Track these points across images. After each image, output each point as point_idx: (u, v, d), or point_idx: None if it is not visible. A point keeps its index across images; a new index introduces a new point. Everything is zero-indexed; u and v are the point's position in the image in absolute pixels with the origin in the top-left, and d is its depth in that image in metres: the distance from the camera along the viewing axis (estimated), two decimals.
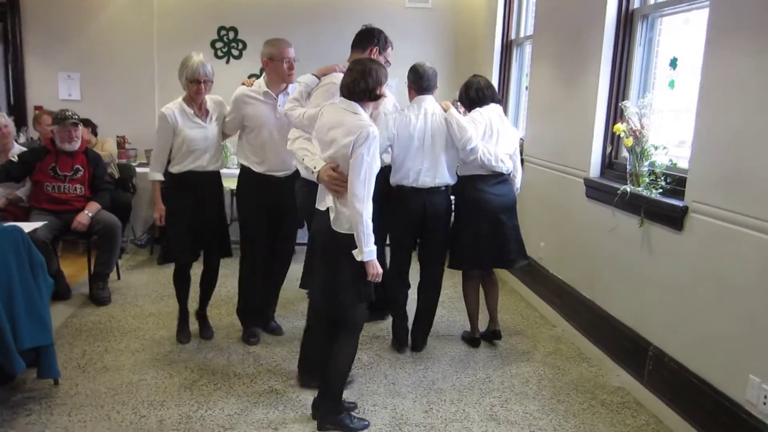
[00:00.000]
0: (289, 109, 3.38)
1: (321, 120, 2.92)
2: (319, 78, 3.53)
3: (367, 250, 2.75)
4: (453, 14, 7.08)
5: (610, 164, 4.29)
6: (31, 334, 2.96)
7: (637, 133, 3.71)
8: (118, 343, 3.88)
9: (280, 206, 3.84)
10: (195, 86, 3.67)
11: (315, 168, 2.89)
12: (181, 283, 3.99)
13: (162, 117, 3.72)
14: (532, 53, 5.49)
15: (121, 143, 6.34)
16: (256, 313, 4.05)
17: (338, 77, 3.18)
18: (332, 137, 2.82)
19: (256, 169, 3.80)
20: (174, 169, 3.78)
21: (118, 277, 5.05)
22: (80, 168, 4.62)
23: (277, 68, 3.69)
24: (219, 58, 6.83)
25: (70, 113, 4.53)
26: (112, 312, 4.39)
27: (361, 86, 2.81)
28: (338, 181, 2.79)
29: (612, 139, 4.26)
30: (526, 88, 6.09)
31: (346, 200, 2.77)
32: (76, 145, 4.60)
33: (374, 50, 3.45)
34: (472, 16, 7.05)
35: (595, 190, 4.23)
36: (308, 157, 3.02)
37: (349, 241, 2.79)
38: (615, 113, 4.24)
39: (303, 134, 3.27)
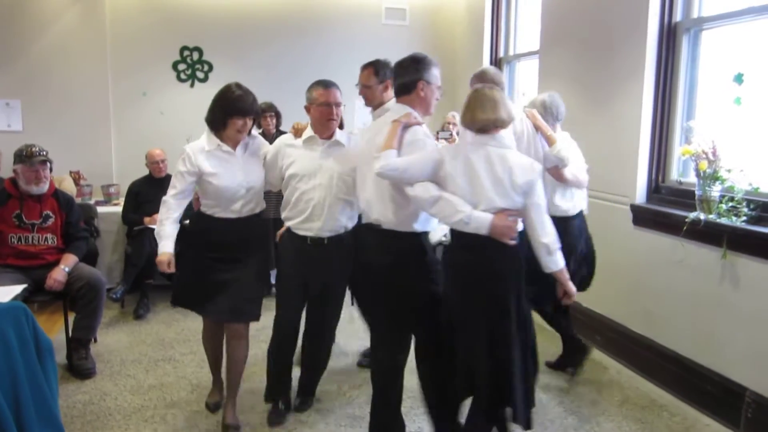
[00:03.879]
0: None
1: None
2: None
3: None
4: (431, 32, 6.72)
5: (656, 188, 3.98)
6: None
7: (709, 155, 3.41)
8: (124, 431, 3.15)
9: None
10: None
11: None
12: None
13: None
14: (539, 71, 5.15)
15: (75, 180, 5.53)
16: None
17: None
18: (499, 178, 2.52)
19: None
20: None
21: (94, 340, 4.23)
22: (50, 214, 3.84)
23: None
24: (182, 81, 6.15)
25: (37, 149, 3.77)
26: (102, 386, 3.61)
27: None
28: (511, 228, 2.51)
29: (660, 161, 3.96)
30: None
31: None
32: (45, 187, 3.83)
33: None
34: (452, 34, 6.70)
35: (645, 217, 3.90)
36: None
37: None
38: (661, 134, 3.95)
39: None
